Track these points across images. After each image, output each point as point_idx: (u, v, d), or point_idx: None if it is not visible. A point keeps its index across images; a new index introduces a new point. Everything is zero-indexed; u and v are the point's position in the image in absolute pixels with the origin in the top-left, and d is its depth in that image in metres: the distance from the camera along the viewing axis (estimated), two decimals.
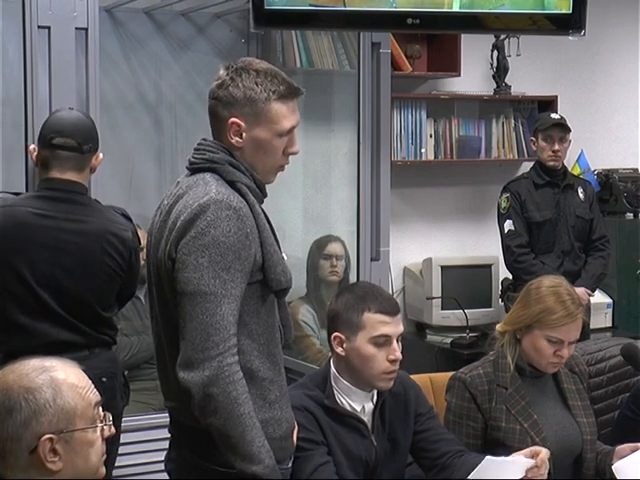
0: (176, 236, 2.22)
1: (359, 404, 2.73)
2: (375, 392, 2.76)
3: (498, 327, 3.05)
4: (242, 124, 2.29)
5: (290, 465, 2.42)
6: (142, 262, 3.46)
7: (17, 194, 3.31)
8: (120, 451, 3.38)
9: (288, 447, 2.38)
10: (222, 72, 2.33)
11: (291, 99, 2.33)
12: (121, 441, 3.33)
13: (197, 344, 2.15)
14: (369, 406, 2.74)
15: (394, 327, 2.68)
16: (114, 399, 3.24)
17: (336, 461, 2.65)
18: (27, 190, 3.55)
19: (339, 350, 2.70)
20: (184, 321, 2.18)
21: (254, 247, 2.24)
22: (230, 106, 2.29)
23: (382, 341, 2.66)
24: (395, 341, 2.68)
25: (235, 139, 2.31)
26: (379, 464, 2.74)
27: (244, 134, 2.30)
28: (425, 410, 2.86)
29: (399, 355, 2.68)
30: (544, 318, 2.91)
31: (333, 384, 2.72)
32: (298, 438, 2.50)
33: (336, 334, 2.70)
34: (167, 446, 2.46)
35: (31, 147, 3.36)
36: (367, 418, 2.74)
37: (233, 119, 2.29)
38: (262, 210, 2.33)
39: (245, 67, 2.31)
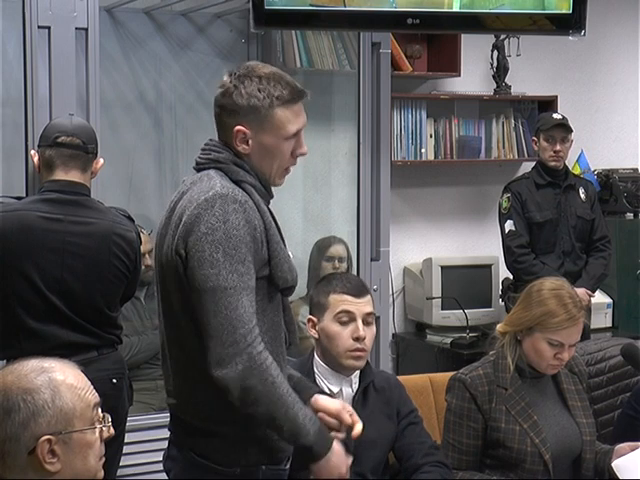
0: (184, 230, 2.22)
1: (337, 387, 2.84)
2: (356, 379, 2.86)
3: (499, 327, 3.05)
4: (247, 131, 2.29)
5: (288, 466, 2.42)
6: (142, 267, 3.47)
7: (18, 198, 3.31)
8: None
9: (286, 448, 2.37)
10: (226, 79, 2.32)
11: (295, 103, 2.32)
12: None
13: (225, 340, 2.15)
14: (348, 391, 2.84)
15: (357, 306, 2.81)
16: (123, 399, 3.27)
17: None
18: (27, 191, 3.55)
19: (313, 332, 2.85)
20: (207, 318, 2.17)
21: (261, 240, 2.26)
22: (235, 114, 2.29)
23: (345, 319, 2.80)
24: (360, 320, 2.80)
25: (242, 146, 2.31)
26: (358, 451, 2.77)
27: (250, 141, 2.31)
28: (406, 410, 2.94)
29: (362, 333, 2.79)
30: (545, 321, 2.91)
31: (314, 368, 2.85)
32: None
33: (309, 317, 2.88)
34: (167, 446, 2.46)
35: (32, 152, 3.37)
36: (346, 403, 2.78)
37: (238, 127, 2.29)
38: (268, 209, 2.34)
39: (248, 73, 2.30)
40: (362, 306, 2.82)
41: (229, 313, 2.16)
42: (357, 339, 2.79)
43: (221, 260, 2.17)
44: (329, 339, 2.81)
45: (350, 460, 2.35)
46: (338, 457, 2.29)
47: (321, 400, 2.40)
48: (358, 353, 2.80)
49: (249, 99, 2.27)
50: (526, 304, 2.98)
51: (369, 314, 2.84)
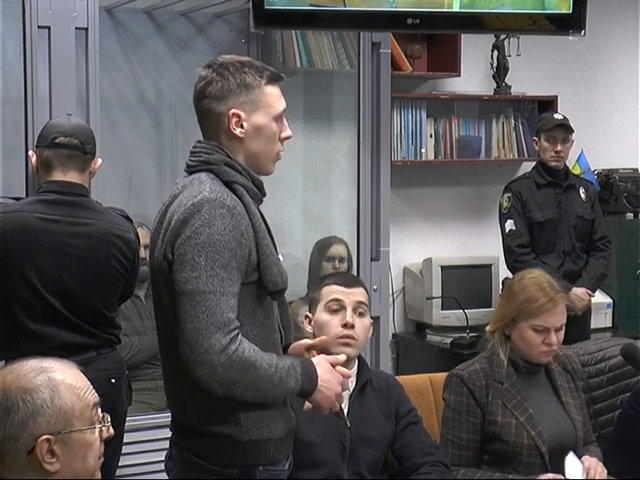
0: (171, 236, 2.22)
1: None
2: (353, 377, 2.84)
3: (487, 328, 3.11)
4: (242, 113, 2.31)
5: (287, 467, 2.41)
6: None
7: (17, 199, 3.31)
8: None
9: (285, 449, 2.38)
10: (205, 72, 2.34)
11: (278, 81, 2.37)
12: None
13: (201, 344, 2.13)
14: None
15: (347, 295, 2.86)
16: (122, 399, 3.27)
17: (310, 439, 2.72)
18: (27, 191, 3.55)
19: (308, 329, 2.88)
20: (185, 322, 2.16)
21: (249, 246, 2.24)
22: (226, 99, 2.31)
23: (335, 307, 2.85)
24: (350, 309, 2.84)
25: (238, 130, 2.32)
26: (355, 449, 2.80)
27: (245, 123, 2.32)
28: (405, 410, 2.94)
29: (350, 320, 2.82)
30: (526, 308, 2.97)
31: None
32: None
33: (306, 314, 2.91)
34: (166, 446, 2.46)
35: (30, 152, 3.37)
36: (344, 402, 2.78)
37: (232, 110, 2.30)
38: (259, 210, 2.33)
39: (226, 62, 2.34)
40: (352, 295, 2.86)
41: (206, 317, 2.14)
42: (345, 326, 2.81)
43: (202, 264, 2.16)
44: (320, 329, 2.84)
45: (340, 377, 2.35)
46: (328, 383, 2.30)
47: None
48: (346, 340, 2.82)
49: (239, 79, 2.31)
50: (508, 296, 3.05)
51: (360, 303, 2.86)
